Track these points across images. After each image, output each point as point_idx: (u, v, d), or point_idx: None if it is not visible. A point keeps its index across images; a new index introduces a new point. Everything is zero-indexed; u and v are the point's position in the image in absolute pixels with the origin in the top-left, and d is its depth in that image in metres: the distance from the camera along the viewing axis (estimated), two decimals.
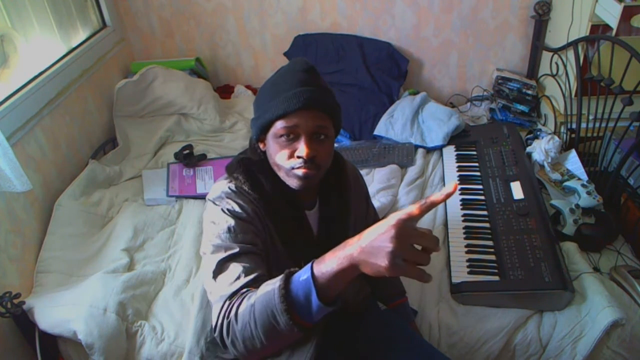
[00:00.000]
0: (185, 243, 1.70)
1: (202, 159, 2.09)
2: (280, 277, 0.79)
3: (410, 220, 0.73)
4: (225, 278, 0.89)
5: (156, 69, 2.32)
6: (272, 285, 0.79)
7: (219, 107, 2.39)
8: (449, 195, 0.74)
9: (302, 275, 0.77)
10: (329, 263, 0.76)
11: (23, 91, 1.71)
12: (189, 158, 2.07)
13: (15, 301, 1.35)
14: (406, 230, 0.72)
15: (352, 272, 0.75)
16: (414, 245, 0.73)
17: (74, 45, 2.14)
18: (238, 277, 0.87)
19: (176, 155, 2.11)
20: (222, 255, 0.91)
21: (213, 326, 0.86)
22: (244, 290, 0.86)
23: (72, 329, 1.32)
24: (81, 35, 2.23)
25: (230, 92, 2.66)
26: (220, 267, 0.90)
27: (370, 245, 0.73)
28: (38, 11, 1.93)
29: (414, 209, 0.74)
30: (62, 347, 1.40)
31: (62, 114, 1.92)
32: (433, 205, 0.75)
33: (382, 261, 0.71)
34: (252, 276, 0.88)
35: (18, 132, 1.63)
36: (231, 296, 0.85)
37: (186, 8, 2.52)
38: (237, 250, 0.91)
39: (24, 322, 1.38)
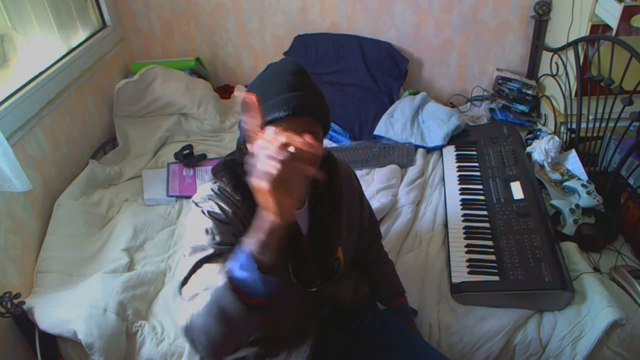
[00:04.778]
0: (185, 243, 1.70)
1: (202, 159, 2.09)
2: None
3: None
4: (197, 280, 0.87)
5: (156, 69, 2.33)
6: (214, 272, 0.80)
7: (219, 107, 2.39)
8: None
9: (237, 253, 0.78)
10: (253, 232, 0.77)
11: (23, 91, 1.71)
12: (189, 158, 2.07)
13: (15, 301, 1.35)
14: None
15: (267, 225, 0.75)
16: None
17: (74, 45, 2.14)
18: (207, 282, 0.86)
19: (176, 155, 2.11)
20: (199, 256, 0.90)
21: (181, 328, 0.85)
22: None
23: (72, 329, 1.32)
24: (81, 35, 2.23)
25: (230, 92, 2.66)
26: (194, 269, 0.89)
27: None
28: (38, 11, 1.93)
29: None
30: (62, 347, 1.40)
31: (62, 114, 1.92)
32: None
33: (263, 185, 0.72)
34: None
35: (18, 132, 1.63)
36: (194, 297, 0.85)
37: (186, 8, 2.52)
38: (212, 251, 0.90)
39: (24, 322, 1.38)
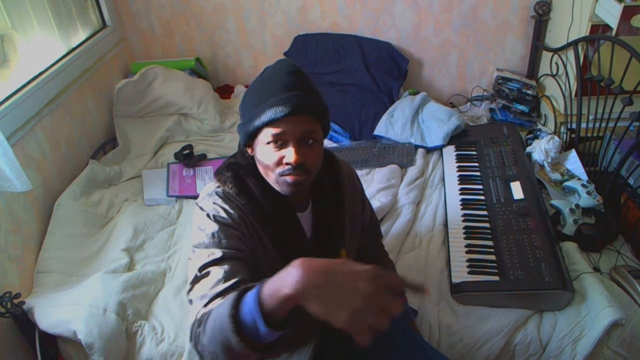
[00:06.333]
0: (185, 243, 1.70)
1: (202, 159, 2.09)
2: (234, 294, 0.74)
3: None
4: (205, 284, 0.87)
5: (156, 69, 2.33)
6: (226, 301, 0.73)
7: (219, 107, 2.39)
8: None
9: (250, 296, 0.71)
10: (276, 286, 0.69)
11: (23, 91, 1.71)
12: (189, 158, 2.07)
13: (15, 301, 1.35)
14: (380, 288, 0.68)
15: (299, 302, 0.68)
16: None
17: (74, 45, 2.14)
18: (217, 283, 0.85)
19: (176, 155, 2.11)
20: (205, 260, 0.89)
21: (189, 334, 0.84)
22: (219, 299, 0.82)
23: (72, 329, 1.32)
24: (81, 35, 2.23)
25: (230, 92, 2.66)
26: (201, 273, 0.88)
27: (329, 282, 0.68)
28: (38, 11, 1.93)
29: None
30: (62, 347, 1.40)
31: (62, 114, 1.92)
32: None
33: (341, 314, 0.67)
34: (231, 282, 0.85)
35: (18, 132, 1.63)
36: (206, 304, 0.83)
37: (186, 8, 2.53)
38: (219, 255, 0.89)
39: (24, 322, 1.38)
